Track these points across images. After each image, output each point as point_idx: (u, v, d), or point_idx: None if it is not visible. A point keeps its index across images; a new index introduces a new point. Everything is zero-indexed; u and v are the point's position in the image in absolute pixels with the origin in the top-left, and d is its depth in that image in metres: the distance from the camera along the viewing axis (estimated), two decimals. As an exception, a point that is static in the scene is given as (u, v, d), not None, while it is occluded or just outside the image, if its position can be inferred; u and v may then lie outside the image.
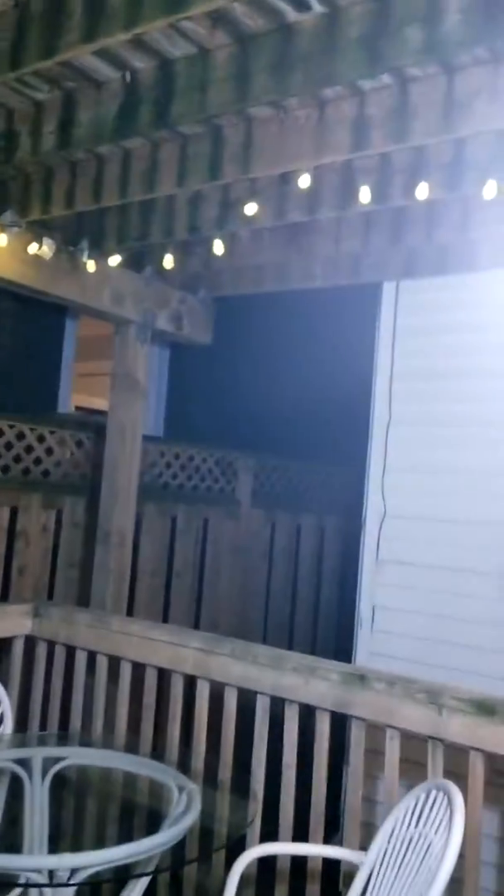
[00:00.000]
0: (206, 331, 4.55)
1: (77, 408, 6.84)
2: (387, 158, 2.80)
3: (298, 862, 2.75)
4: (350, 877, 2.59)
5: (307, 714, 2.78)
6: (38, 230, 3.41)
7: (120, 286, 3.95)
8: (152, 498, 4.95)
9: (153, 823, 2.40)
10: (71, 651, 3.42)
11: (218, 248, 3.24)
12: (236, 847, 2.61)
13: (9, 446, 4.36)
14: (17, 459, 4.40)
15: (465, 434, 3.55)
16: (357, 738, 2.67)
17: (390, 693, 2.57)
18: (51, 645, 3.47)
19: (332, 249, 3.52)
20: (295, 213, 3.01)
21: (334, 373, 5.63)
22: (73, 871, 1.93)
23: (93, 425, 4.84)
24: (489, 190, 2.50)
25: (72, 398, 6.29)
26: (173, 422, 6.54)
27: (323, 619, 6.21)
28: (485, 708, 2.38)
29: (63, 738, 3.19)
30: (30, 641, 3.50)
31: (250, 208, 2.92)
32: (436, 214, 3.20)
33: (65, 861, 1.93)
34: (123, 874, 2.16)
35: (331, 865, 2.75)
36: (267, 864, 2.61)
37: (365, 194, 2.70)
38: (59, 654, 3.45)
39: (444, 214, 3.20)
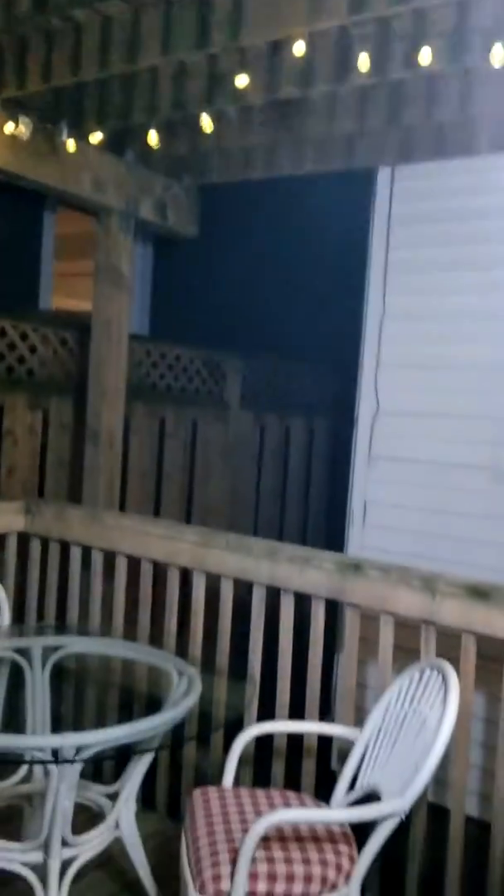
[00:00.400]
0: (192, 222, 4.38)
1: (57, 310, 6.67)
2: (386, 25, 2.63)
3: (294, 742, 2.82)
4: (344, 753, 2.67)
5: (302, 603, 2.81)
6: (14, 109, 3.22)
7: (101, 172, 3.76)
8: (140, 399, 4.88)
9: (153, 706, 2.44)
10: (65, 547, 3.42)
11: (206, 124, 3.06)
12: (234, 728, 2.67)
13: (-8, 345, 4.25)
14: (0, 358, 4.30)
15: (461, 329, 3.48)
16: (351, 624, 2.70)
17: (385, 580, 2.58)
18: (44, 541, 3.47)
19: (324, 130, 3.35)
20: (288, 88, 2.85)
21: (326, 267, 5.47)
22: (79, 749, 1.96)
23: (77, 324, 4.72)
24: (497, 55, 2.35)
25: (52, 299, 6.13)
26: (159, 321, 6.39)
27: (312, 519, 6.27)
28: (478, 592, 2.40)
29: (61, 629, 3.21)
30: (23, 538, 3.50)
31: (241, 80, 2.75)
32: (436, 91, 3.04)
33: (70, 739, 1.95)
34: (126, 752, 2.20)
35: (325, 744, 2.83)
36: (263, 743, 2.66)
37: (364, 62, 2.54)
38: (53, 550, 3.45)
39: (445, 91, 3.04)
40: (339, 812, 1.99)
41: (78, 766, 2.05)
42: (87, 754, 2.00)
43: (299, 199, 5.21)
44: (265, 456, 5.90)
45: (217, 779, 2.40)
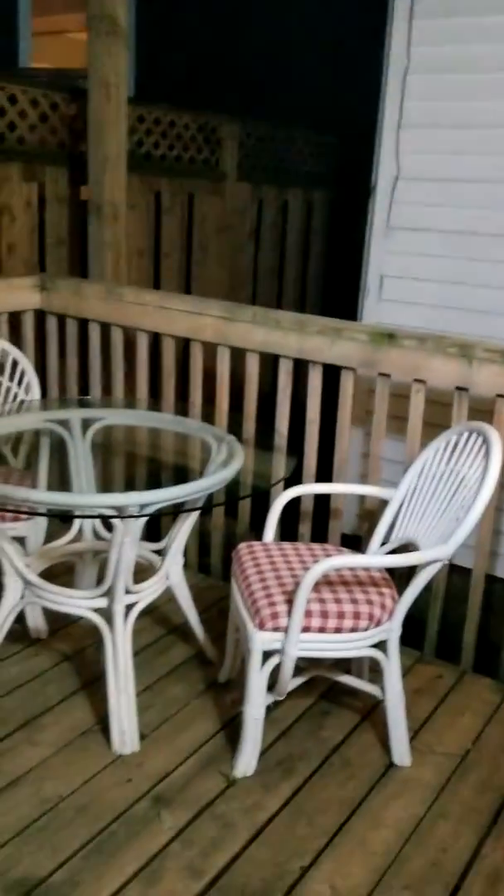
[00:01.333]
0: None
1: (42, 68, 6.10)
2: None
3: (319, 505, 3.00)
4: (371, 514, 2.86)
5: (330, 374, 2.87)
6: None
7: None
8: (134, 170, 4.61)
9: (195, 473, 2.56)
10: (83, 324, 3.39)
11: None
12: (262, 497, 2.82)
13: (-21, 108, 3.93)
14: (-10, 124, 4.00)
15: (491, 81, 3.26)
16: (381, 394, 2.78)
17: (420, 349, 2.63)
18: (61, 319, 3.43)
19: None
20: None
21: (337, 8, 4.93)
22: (142, 507, 2.07)
23: (67, 85, 4.36)
24: None
25: (32, 61, 5.59)
26: (145, 80, 5.89)
27: (311, 297, 6.21)
28: (515, 359, 2.47)
29: (97, 402, 3.26)
30: (39, 316, 3.45)
31: None
32: None
33: (134, 498, 2.06)
34: (177, 511, 2.34)
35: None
36: (287, 508, 2.81)
37: None
38: (71, 328, 3.42)
39: None
40: (389, 558, 2.18)
41: (142, 521, 2.18)
42: (149, 510, 2.12)
43: None
44: (262, 231, 5.72)
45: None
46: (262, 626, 2.11)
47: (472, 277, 3.36)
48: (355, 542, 3.03)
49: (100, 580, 2.59)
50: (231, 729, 2.35)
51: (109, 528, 2.80)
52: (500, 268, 3.31)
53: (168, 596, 2.55)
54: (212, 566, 3.28)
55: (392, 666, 2.22)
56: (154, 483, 2.39)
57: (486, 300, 3.32)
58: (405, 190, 3.55)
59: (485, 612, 2.81)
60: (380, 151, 3.60)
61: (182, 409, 3.11)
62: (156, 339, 3.28)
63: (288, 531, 3.04)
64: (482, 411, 2.58)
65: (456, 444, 2.35)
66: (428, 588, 2.65)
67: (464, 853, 1.99)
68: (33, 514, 2.40)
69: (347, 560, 2.19)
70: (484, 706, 2.57)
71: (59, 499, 2.19)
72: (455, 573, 2.81)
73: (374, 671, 2.52)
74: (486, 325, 3.24)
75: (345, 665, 2.49)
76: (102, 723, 2.33)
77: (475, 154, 3.32)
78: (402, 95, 3.46)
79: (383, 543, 2.47)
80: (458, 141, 3.36)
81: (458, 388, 2.59)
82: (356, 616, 2.14)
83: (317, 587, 2.16)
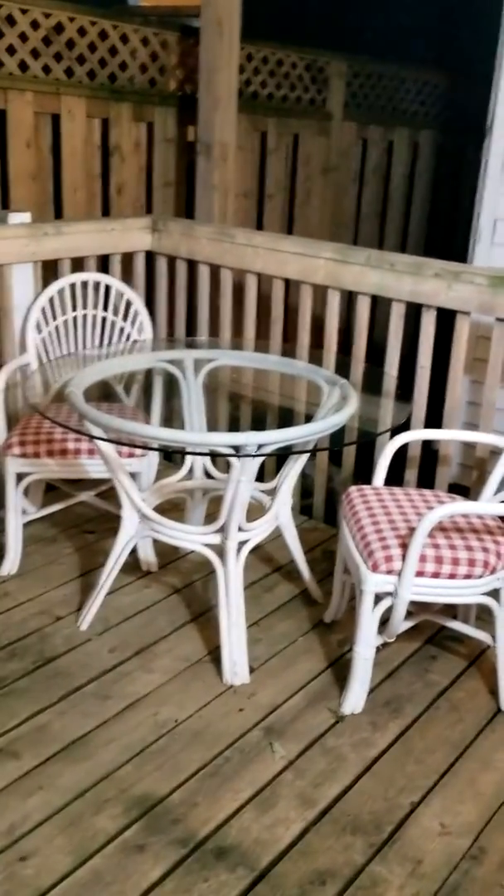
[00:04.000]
0: None
1: (152, 6, 6.03)
2: None
3: (426, 453, 2.97)
4: (482, 463, 2.82)
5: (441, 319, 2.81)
6: None
7: None
8: (241, 110, 4.55)
9: (306, 415, 2.57)
10: (193, 266, 3.41)
11: None
12: (372, 444, 2.81)
13: (92, 48, 3.93)
14: (103, 63, 4.00)
15: None
16: (499, 340, 2.71)
17: (543, 294, 2.54)
18: (171, 260, 3.46)
19: None
20: None
21: None
22: (260, 447, 2.10)
23: (177, 24, 4.31)
24: None
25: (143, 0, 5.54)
26: (253, 17, 5.76)
27: (413, 241, 6.06)
28: None
29: (206, 344, 3.30)
30: (150, 257, 3.49)
31: None
32: None
33: (252, 437, 2.08)
34: (288, 453, 2.35)
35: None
36: (397, 454, 2.79)
37: None
38: (181, 269, 3.44)
39: None
40: (509, 505, 2.16)
41: (258, 461, 2.21)
42: (266, 450, 2.15)
43: None
44: (367, 173, 5.59)
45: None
46: (375, 569, 2.12)
47: None
48: (460, 492, 2.99)
49: (209, 518, 2.66)
50: (337, 668, 2.39)
51: (220, 467, 2.85)
52: None
53: (273, 536, 2.58)
54: (314, 508, 3.31)
55: (505, 614, 2.21)
56: (268, 424, 2.42)
57: None
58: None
59: None
60: (498, 90, 3.44)
61: (291, 351, 3.11)
62: (264, 282, 3.27)
63: (393, 477, 3.02)
64: None
65: None
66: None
67: None
68: (151, 449, 2.46)
69: (467, 506, 2.17)
70: None
71: (179, 436, 2.23)
72: None
73: (480, 619, 2.51)
74: None
75: (452, 611, 2.49)
76: (213, 654, 2.41)
77: None
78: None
79: (497, 492, 2.44)
80: None
81: None
82: (471, 563, 2.13)
83: (430, 532, 2.15)
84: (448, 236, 6.03)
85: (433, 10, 5.44)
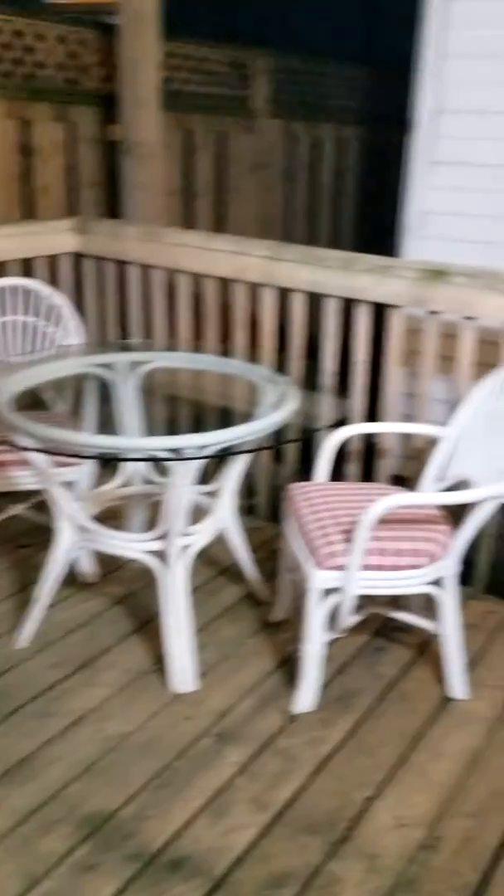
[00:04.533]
0: None
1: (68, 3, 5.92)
2: None
3: (366, 447, 2.98)
4: (421, 453, 2.83)
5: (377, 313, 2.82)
6: None
7: None
8: (165, 108, 4.51)
9: (246, 415, 2.53)
10: (122, 267, 3.35)
11: None
12: (311, 440, 2.80)
13: (7, 47, 3.84)
14: (19, 63, 3.91)
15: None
16: (431, 332, 2.73)
17: (472, 286, 2.57)
18: (99, 262, 3.39)
19: None
20: None
21: None
22: (201, 448, 2.06)
23: (94, 21, 4.24)
24: None
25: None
26: (169, 14, 5.71)
27: (345, 237, 6.09)
28: None
29: (139, 346, 3.24)
30: (77, 259, 3.41)
31: None
32: None
33: (190, 440, 2.05)
34: (234, 452, 2.32)
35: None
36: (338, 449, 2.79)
37: None
38: (110, 271, 3.38)
39: None
40: (449, 494, 2.15)
41: (197, 464, 2.17)
42: (206, 452, 2.11)
43: None
44: (295, 169, 5.60)
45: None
46: (320, 565, 2.11)
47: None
48: (403, 482, 3.01)
49: (150, 524, 2.61)
50: (287, 667, 2.37)
51: (161, 472, 2.80)
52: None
53: (216, 538, 2.55)
54: (258, 507, 3.29)
55: (450, 601, 2.22)
56: (208, 425, 2.37)
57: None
58: (447, 123, 3.43)
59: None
60: (420, 84, 3.48)
61: (227, 351, 3.08)
62: (196, 281, 3.23)
63: (336, 472, 3.02)
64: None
65: (512, 379, 2.31)
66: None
67: (525, 784, 2.01)
68: (86, 457, 2.40)
69: (411, 497, 2.18)
70: (535, 641, 2.57)
71: (114, 442, 2.19)
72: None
73: (426, 608, 2.53)
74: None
75: (399, 602, 2.50)
76: (159, 663, 2.36)
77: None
78: (445, 24, 3.32)
79: (435, 481, 2.45)
80: (501, 70, 3.23)
81: (512, 324, 2.53)
82: (414, 553, 2.13)
83: (374, 525, 2.14)
84: (380, 231, 6.08)
85: (357, 6, 5.47)
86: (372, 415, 2.94)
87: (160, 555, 2.29)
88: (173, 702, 2.24)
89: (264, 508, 3.28)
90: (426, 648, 2.47)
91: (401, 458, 3.35)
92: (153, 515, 2.69)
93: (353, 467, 3.00)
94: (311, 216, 5.84)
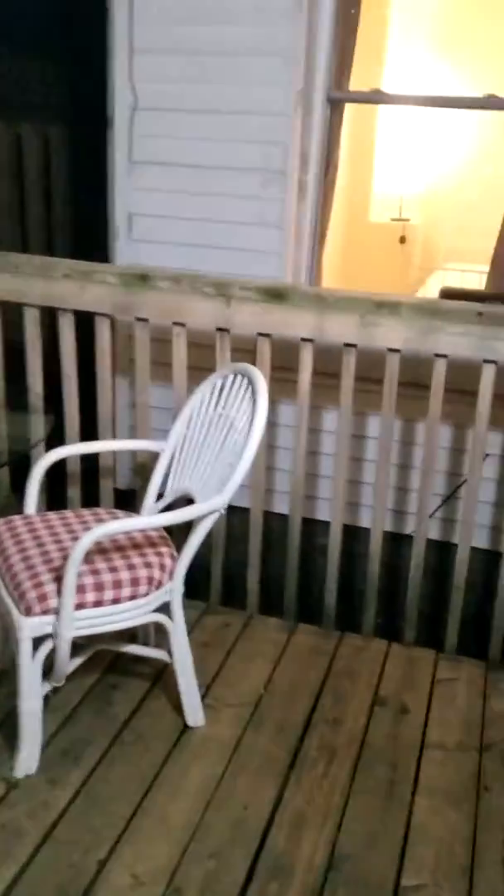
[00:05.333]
0: None
1: None
2: None
3: (87, 465, 2.79)
4: (145, 468, 2.70)
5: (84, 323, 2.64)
6: None
7: None
8: None
9: None
10: None
11: None
12: (23, 465, 2.55)
13: None
14: None
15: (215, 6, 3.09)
16: (142, 339, 2.60)
17: (176, 290, 2.47)
18: None
19: None
20: None
21: None
22: None
23: None
24: None
25: None
26: None
27: (60, 240, 5.81)
28: (273, 294, 2.38)
29: None
30: None
31: None
32: None
33: None
34: None
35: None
36: (53, 471, 2.56)
37: None
38: None
39: None
40: (164, 516, 2.01)
41: None
42: None
43: None
44: (-4, 171, 5.23)
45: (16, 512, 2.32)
46: (29, 612, 1.89)
47: (222, 214, 3.21)
48: (133, 497, 2.86)
49: None
50: (6, 727, 2.12)
51: None
52: (247, 203, 3.20)
53: None
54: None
55: (177, 627, 2.10)
56: None
57: (238, 237, 3.20)
58: (145, 121, 3.31)
59: (265, 548, 2.77)
60: (112, 79, 3.33)
61: None
62: None
63: (57, 497, 2.80)
64: (247, 351, 2.49)
65: (222, 388, 2.24)
66: (208, 536, 2.56)
67: (266, 806, 1.94)
68: None
69: (119, 525, 2.01)
70: (272, 648, 2.55)
71: None
72: (233, 514, 2.74)
73: (160, 632, 2.39)
74: (242, 265, 3.12)
75: (128, 633, 2.34)
76: None
77: (211, 83, 3.16)
78: (130, 15, 3.20)
79: (159, 498, 2.33)
80: (192, 67, 3.17)
81: (219, 329, 2.47)
82: (134, 582, 1.98)
83: (88, 558, 1.97)
84: (95, 234, 5.89)
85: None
86: (93, 431, 2.76)
87: None
88: None
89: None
90: (160, 677, 2.34)
91: (130, 470, 3.21)
92: None
93: (74, 491, 2.79)
94: (22, 220, 5.50)
